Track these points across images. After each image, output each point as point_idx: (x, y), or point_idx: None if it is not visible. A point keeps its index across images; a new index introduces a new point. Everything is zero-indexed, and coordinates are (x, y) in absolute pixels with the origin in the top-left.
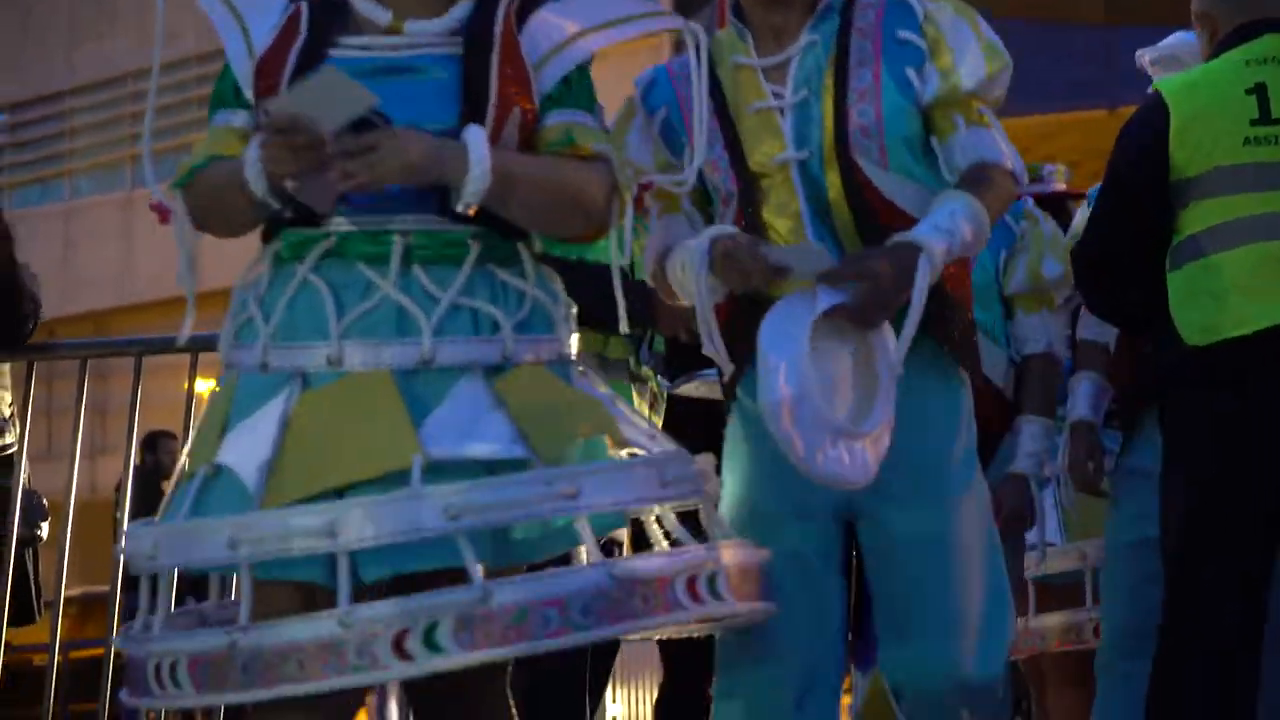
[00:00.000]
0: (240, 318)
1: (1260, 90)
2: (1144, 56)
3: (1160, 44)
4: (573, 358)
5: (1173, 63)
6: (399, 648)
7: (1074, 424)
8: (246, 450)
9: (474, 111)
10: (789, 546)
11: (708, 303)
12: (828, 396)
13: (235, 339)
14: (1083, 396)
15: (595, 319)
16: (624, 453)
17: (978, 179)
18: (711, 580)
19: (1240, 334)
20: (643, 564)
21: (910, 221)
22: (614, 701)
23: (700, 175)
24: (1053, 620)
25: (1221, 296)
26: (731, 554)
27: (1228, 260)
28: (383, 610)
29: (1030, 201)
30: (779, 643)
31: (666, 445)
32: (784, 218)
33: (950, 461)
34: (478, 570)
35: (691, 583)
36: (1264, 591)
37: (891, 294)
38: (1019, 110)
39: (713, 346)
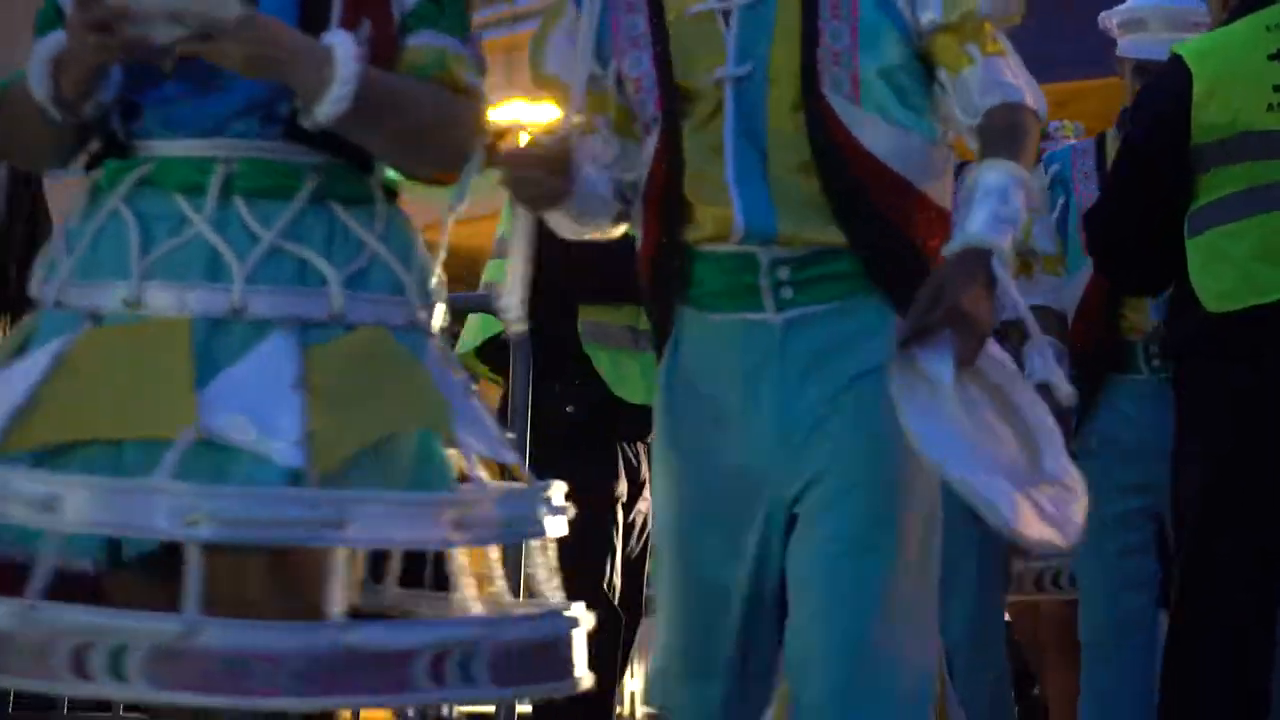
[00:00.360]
0: (49, 253)
1: None
2: (1109, 19)
3: (1124, 6)
4: (431, 329)
5: (1138, 26)
6: (78, 663)
7: (1037, 387)
8: (4, 389)
9: (314, 21)
10: (709, 569)
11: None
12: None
13: (43, 275)
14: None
15: (620, 291)
16: (454, 455)
17: (1011, 133)
18: (465, 662)
19: (1261, 302)
20: (384, 635)
21: (885, 175)
22: (632, 677)
23: (622, 88)
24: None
25: (1243, 264)
26: (519, 628)
27: (1250, 227)
28: (69, 616)
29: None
30: (706, 664)
31: (510, 457)
32: (709, 155)
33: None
34: (194, 596)
35: (437, 662)
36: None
37: (985, 322)
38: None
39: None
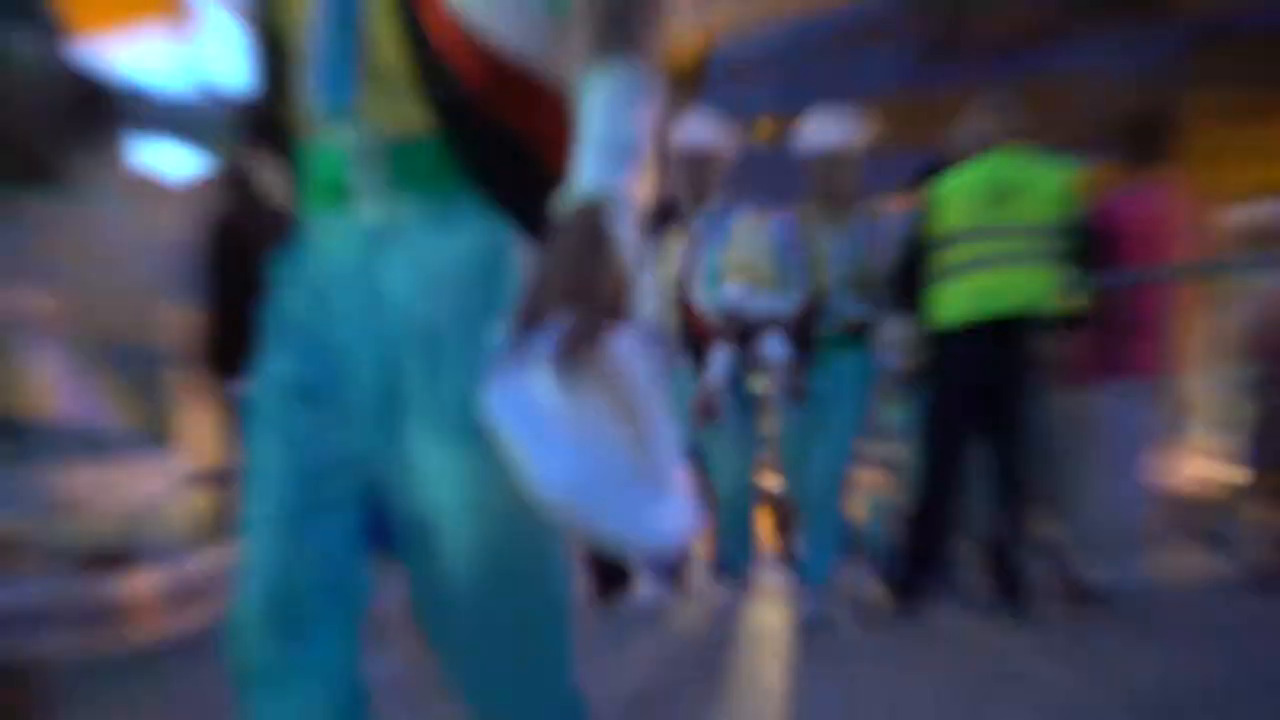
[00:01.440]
0: None
1: None
2: None
3: None
4: None
5: None
6: None
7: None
8: None
9: None
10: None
11: None
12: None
13: None
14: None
15: None
16: None
17: (618, 11)
18: None
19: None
20: None
21: (480, 59)
22: None
23: None
24: None
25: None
26: None
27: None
28: None
29: None
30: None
31: None
32: (297, 23)
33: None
34: None
35: None
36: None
37: (600, 299)
38: None
39: None
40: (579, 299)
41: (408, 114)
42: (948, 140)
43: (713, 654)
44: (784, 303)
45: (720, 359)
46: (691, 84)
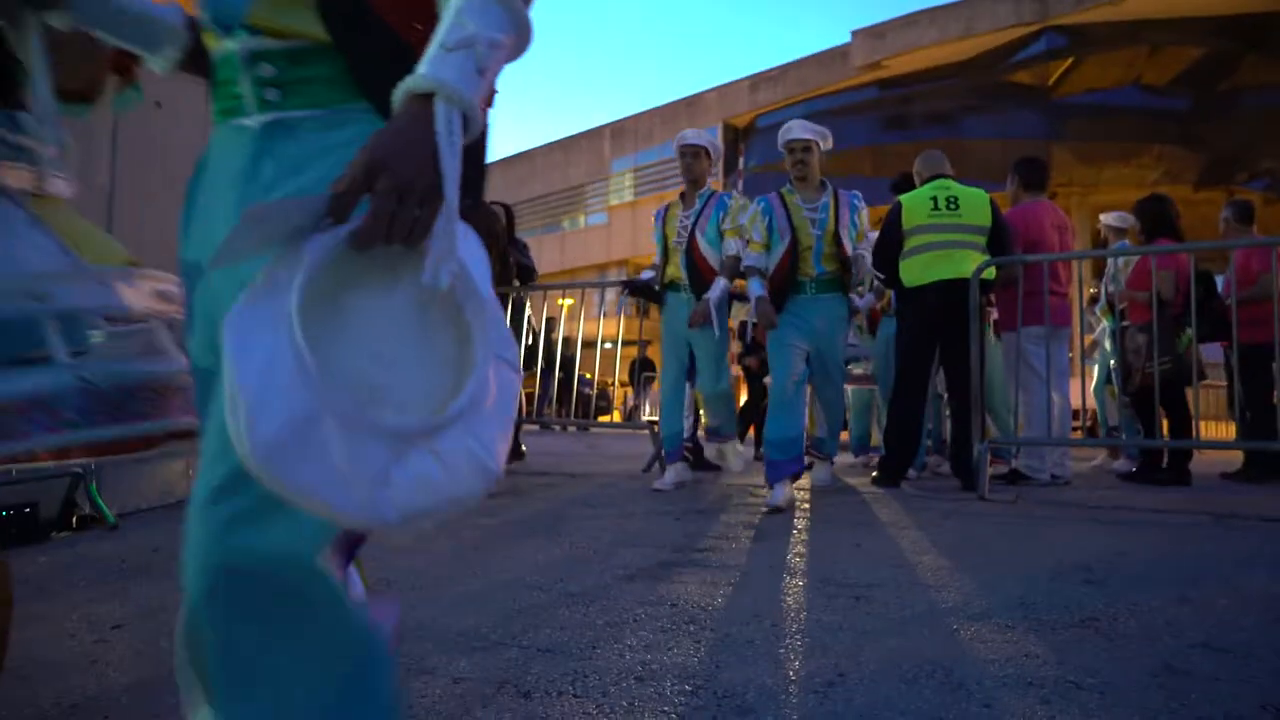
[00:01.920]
0: None
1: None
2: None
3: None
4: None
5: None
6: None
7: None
8: None
9: None
10: None
11: None
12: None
13: None
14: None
15: None
16: None
17: None
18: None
19: (924, 282)
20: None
21: None
22: None
23: None
24: None
25: (916, 270)
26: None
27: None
28: None
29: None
30: None
31: None
32: None
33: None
34: None
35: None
36: (929, 375)
37: (409, 186)
38: None
39: None
40: (387, 179)
41: (301, 23)
42: (904, 173)
43: (750, 511)
44: (763, 258)
45: (718, 285)
46: (745, 135)
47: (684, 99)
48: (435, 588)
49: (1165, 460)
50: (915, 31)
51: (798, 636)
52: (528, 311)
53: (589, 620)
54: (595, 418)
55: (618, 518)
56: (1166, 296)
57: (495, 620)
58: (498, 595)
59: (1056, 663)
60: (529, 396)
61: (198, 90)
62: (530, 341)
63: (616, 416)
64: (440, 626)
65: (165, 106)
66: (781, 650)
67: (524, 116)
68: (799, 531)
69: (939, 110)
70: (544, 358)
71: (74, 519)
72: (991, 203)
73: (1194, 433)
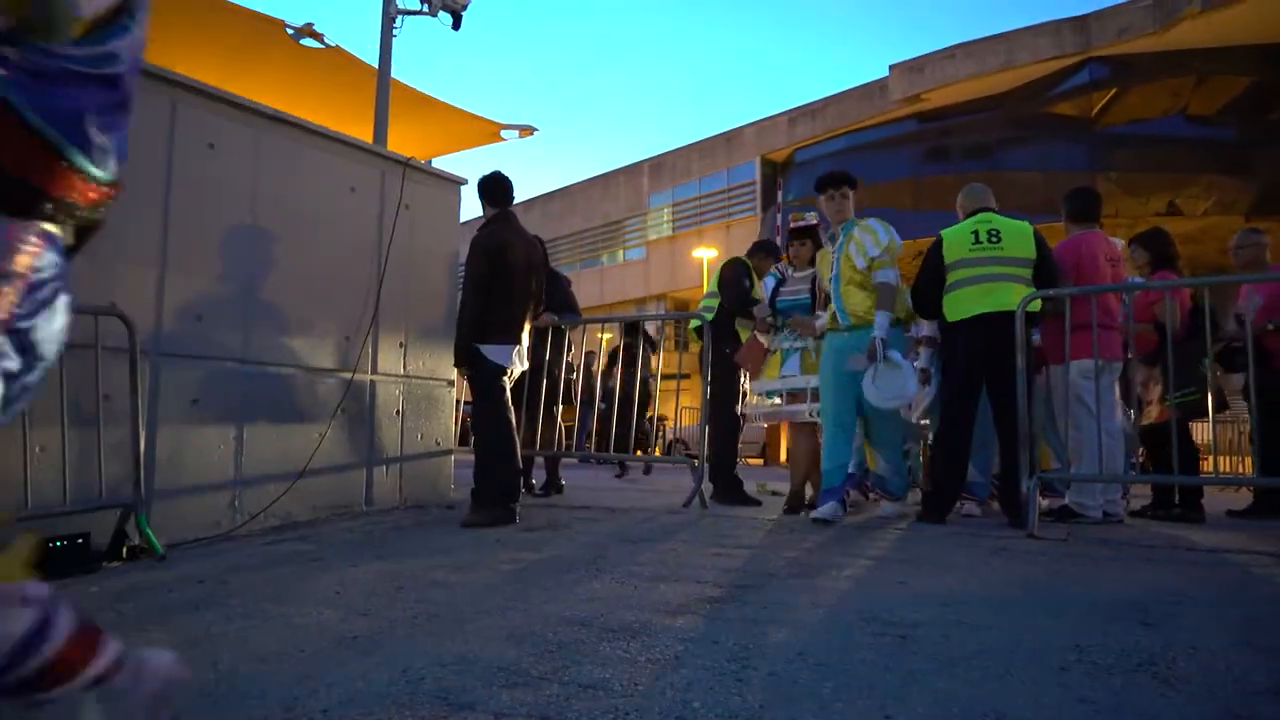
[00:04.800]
0: None
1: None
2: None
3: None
4: None
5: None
6: None
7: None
8: None
9: None
10: None
11: None
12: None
13: None
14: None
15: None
16: None
17: None
18: None
19: (966, 316)
20: None
21: None
22: None
23: None
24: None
25: (960, 304)
26: None
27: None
28: None
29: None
30: None
31: None
32: None
33: None
34: None
35: None
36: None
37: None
38: None
39: None
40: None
41: None
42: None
43: (832, 535)
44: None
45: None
46: (784, 170)
47: (722, 134)
48: (476, 621)
49: (1177, 496)
50: (954, 65)
51: (843, 676)
52: (568, 345)
53: (631, 657)
54: (634, 451)
55: (659, 553)
56: (1173, 327)
57: (536, 655)
58: (538, 629)
59: (1113, 708)
60: (568, 430)
61: (248, 132)
62: (571, 375)
63: (658, 451)
64: (482, 660)
65: (217, 148)
66: (827, 690)
67: (563, 153)
68: (842, 568)
69: (979, 142)
70: (584, 391)
71: (124, 549)
72: (1036, 234)
73: (1214, 467)
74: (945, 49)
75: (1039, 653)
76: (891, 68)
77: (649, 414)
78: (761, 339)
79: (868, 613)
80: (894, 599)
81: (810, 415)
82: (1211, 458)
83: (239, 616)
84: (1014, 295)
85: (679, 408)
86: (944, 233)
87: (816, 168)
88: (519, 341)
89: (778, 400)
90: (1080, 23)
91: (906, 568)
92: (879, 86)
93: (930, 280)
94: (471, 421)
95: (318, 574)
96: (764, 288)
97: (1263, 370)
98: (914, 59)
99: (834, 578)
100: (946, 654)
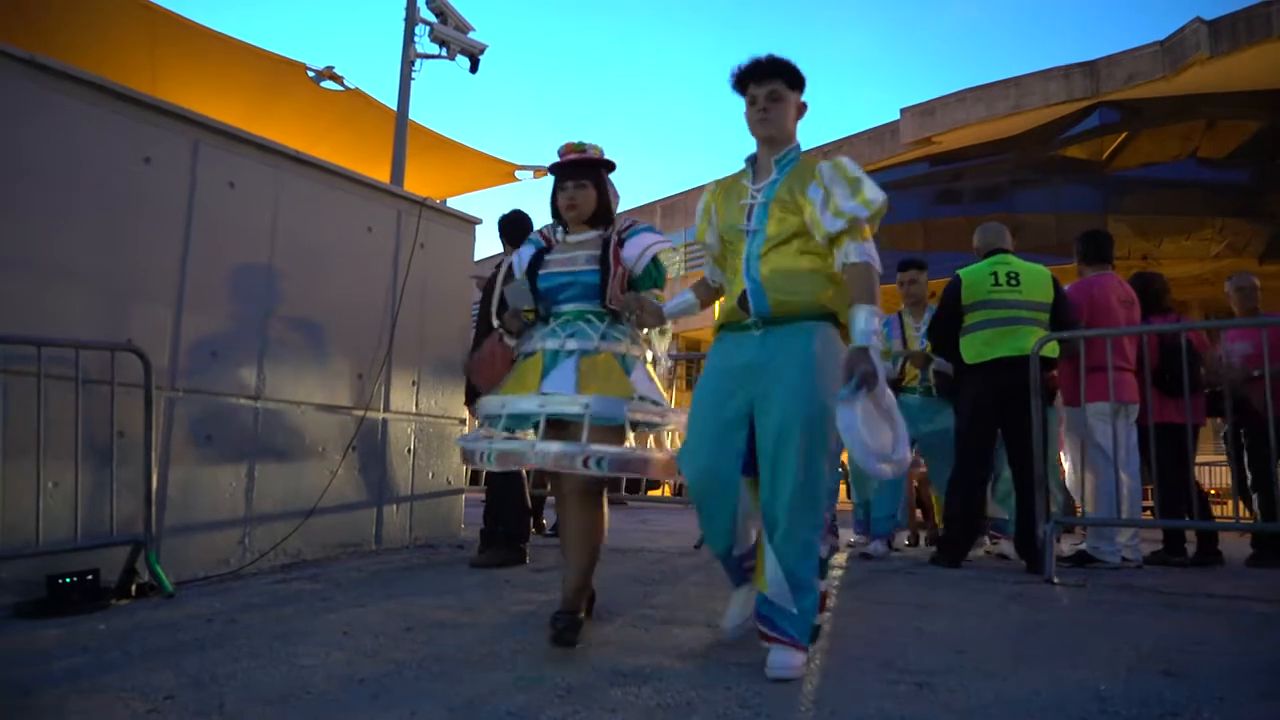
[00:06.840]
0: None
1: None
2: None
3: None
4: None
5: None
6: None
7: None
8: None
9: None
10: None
11: None
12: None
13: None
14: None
15: None
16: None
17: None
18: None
19: (983, 360)
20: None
21: None
22: None
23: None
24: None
25: (977, 346)
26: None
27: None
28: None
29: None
30: None
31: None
32: None
33: None
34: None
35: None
36: (990, 453)
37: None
38: None
39: None
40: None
41: None
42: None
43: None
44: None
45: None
46: None
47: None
48: (484, 664)
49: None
50: (964, 108)
51: None
52: None
53: (641, 702)
54: (645, 492)
55: (671, 595)
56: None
57: (546, 699)
58: (548, 673)
59: None
60: None
61: (268, 172)
62: None
63: (667, 491)
64: (491, 704)
65: (237, 186)
66: None
67: None
68: (856, 614)
69: (991, 184)
70: None
71: (133, 586)
72: (1053, 279)
73: (1233, 512)
74: (955, 92)
75: (1059, 703)
76: (902, 111)
77: None
78: (509, 341)
79: (883, 659)
80: (910, 645)
81: (543, 459)
82: (1230, 502)
83: (246, 656)
84: (1032, 339)
85: None
86: (962, 272)
87: None
88: None
89: (506, 434)
90: (1090, 68)
91: (922, 613)
92: (890, 129)
93: (948, 320)
94: None
95: (326, 613)
96: (517, 260)
97: (1244, 416)
98: (925, 102)
99: (848, 623)
100: (964, 703)
